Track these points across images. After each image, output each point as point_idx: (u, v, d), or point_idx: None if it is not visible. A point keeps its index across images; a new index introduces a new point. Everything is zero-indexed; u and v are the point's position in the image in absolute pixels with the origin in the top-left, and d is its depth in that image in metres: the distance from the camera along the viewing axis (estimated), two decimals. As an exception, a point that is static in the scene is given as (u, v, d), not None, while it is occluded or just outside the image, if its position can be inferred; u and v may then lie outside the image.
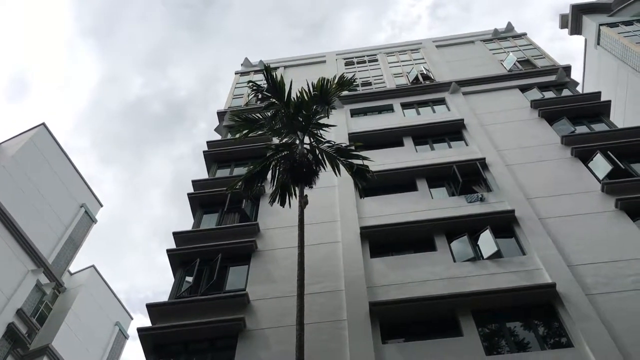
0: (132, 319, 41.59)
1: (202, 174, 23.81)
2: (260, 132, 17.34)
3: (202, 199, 20.95)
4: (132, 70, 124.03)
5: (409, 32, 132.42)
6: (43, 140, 33.93)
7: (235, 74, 33.74)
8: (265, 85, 16.30)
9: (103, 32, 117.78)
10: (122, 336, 39.31)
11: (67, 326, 32.31)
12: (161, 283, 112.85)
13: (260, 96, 16.43)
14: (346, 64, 33.10)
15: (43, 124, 34.20)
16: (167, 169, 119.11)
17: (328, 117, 16.99)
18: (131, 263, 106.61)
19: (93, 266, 37.89)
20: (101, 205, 38.13)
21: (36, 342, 30.10)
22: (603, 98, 24.36)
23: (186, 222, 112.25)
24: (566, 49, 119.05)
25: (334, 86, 16.09)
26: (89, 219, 36.38)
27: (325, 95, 15.80)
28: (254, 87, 16.25)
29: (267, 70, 15.88)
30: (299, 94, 16.04)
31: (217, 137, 27.26)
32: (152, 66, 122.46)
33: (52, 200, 32.95)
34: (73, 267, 36.14)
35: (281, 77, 16.12)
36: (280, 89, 15.98)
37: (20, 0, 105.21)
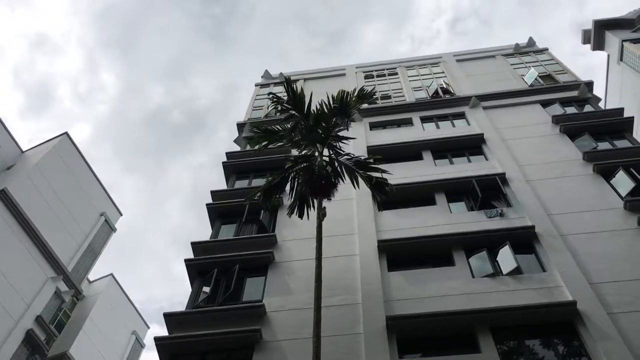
0: (148, 328, 41.84)
1: (221, 182, 24.00)
2: (279, 144, 17.39)
3: (220, 209, 21.06)
4: (154, 80, 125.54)
5: (428, 46, 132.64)
6: (65, 149, 34.42)
7: (255, 85, 33.96)
8: (285, 97, 16.39)
9: (125, 42, 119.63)
10: (139, 345, 39.55)
11: (85, 334, 32.59)
12: (177, 293, 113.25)
13: (280, 108, 16.50)
14: (366, 77, 33.10)
15: (66, 133, 34.73)
16: (187, 177, 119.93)
17: (348, 130, 17.01)
18: (148, 272, 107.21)
19: (111, 275, 38.23)
20: (121, 214, 38.48)
21: (54, 349, 30.39)
22: (626, 114, 24.09)
23: (204, 230, 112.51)
24: (587, 64, 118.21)
25: (353, 99, 16.10)
26: (109, 228, 36.74)
27: (345, 107, 15.83)
28: (275, 99, 16.34)
29: (288, 82, 15.97)
30: (318, 107, 16.10)
31: (237, 148, 27.44)
32: (173, 76, 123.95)
33: (73, 208, 33.35)
34: (91, 276, 36.54)
35: (301, 89, 16.21)
36: (300, 101, 16.05)
37: (44, 12, 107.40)
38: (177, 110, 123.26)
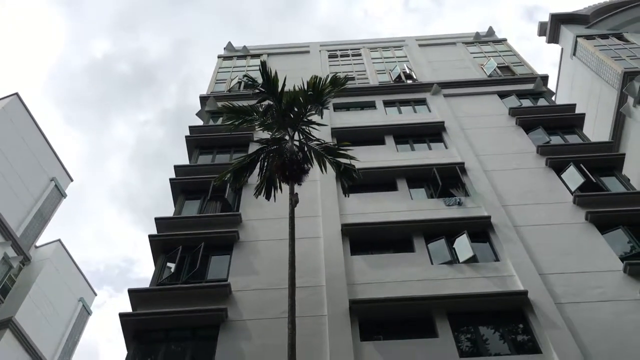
0: (95, 295, 41.31)
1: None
2: (249, 125, 17.48)
3: (184, 185, 20.98)
4: (101, 32, 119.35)
5: (381, 21, 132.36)
6: (15, 111, 33.11)
7: (218, 57, 33.51)
8: (245, 71, 16.44)
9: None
10: (86, 312, 39.05)
11: (31, 300, 31.91)
12: (115, 255, 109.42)
13: (253, 92, 16.59)
14: (330, 57, 33.26)
15: (16, 94, 33.38)
16: (132, 132, 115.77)
17: (322, 117, 17.23)
18: (84, 232, 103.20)
19: (59, 240, 37.40)
20: (71, 180, 37.51)
21: (-1, 314, 29.73)
22: (576, 108, 25.29)
23: (147, 190, 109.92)
24: (533, 50, 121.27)
25: (327, 86, 16.21)
26: (59, 193, 35.78)
27: (319, 95, 16.00)
28: (250, 82, 16.40)
29: (263, 65, 16.04)
30: (291, 89, 16.23)
31: (199, 121, 27.19)
32: (122, 28, 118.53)
33: (22, 172, 32.27)
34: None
35: (275, 73, 16.24)
36: (274, 85, 16.14)
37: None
38: (125, 62, 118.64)
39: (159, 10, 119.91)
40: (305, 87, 16.08)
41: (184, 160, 23.70)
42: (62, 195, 36.31)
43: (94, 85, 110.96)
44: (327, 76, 16.78)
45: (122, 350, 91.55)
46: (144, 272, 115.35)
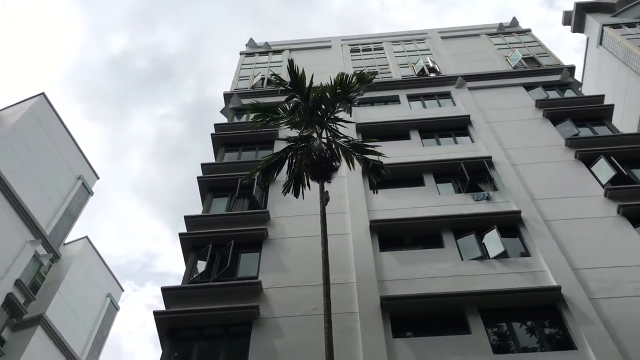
0: (123, 290, 41.90)
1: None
2: (277, 123, 17.53)
3: (211, 182, 21.11)
4: (118, 27, 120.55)
5: (397, 11, 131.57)
6: (42, 110, 33.69)
7: (240, 54, 33.61)
8: (272, 70, 16.39)
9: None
10: (114, 308, 39.66)
11: (61, 296, 32.52)
12: (135, 250, 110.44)
13: (281, 89, 16.62)
14: (352, 51, 33.16)
15: (43, 93, 33.92)
16: (151, 126, 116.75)
17: (351, 115, 17.20)
18: (106, 227, 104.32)
19: (87, 237, 37.99)
20: (97, 178, 38.10)
21: (30, 311, 30.32)
22: (602, 98, 24.91)
23: (169, 183, 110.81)
24: (554, 35, 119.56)
25: (354, 83, 16.12)
26: (86, 191, 36.39)
27: (346, 92, 15.96)
28: (277, 81, 16.44)
29: (291, 64, 16.01)
30: (319, 87, 16.20)
31: (221, 117, 27.35)
32: (139, 23, 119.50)
33: (50, 171, 32.87)
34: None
35: (302, 71, 16.20)
36: (301, 83, 16.10)
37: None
38: (143, 57, 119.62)
39: (174, 4, 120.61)
40: (332, 84, 16.01)
41: (204, 153, 23.94)
42: (89, 192, 36.92)
43: (113, 80, 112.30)
44: (354, 73, 16.72)
45: (143, 344, 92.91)
46: (165, 266, 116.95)
